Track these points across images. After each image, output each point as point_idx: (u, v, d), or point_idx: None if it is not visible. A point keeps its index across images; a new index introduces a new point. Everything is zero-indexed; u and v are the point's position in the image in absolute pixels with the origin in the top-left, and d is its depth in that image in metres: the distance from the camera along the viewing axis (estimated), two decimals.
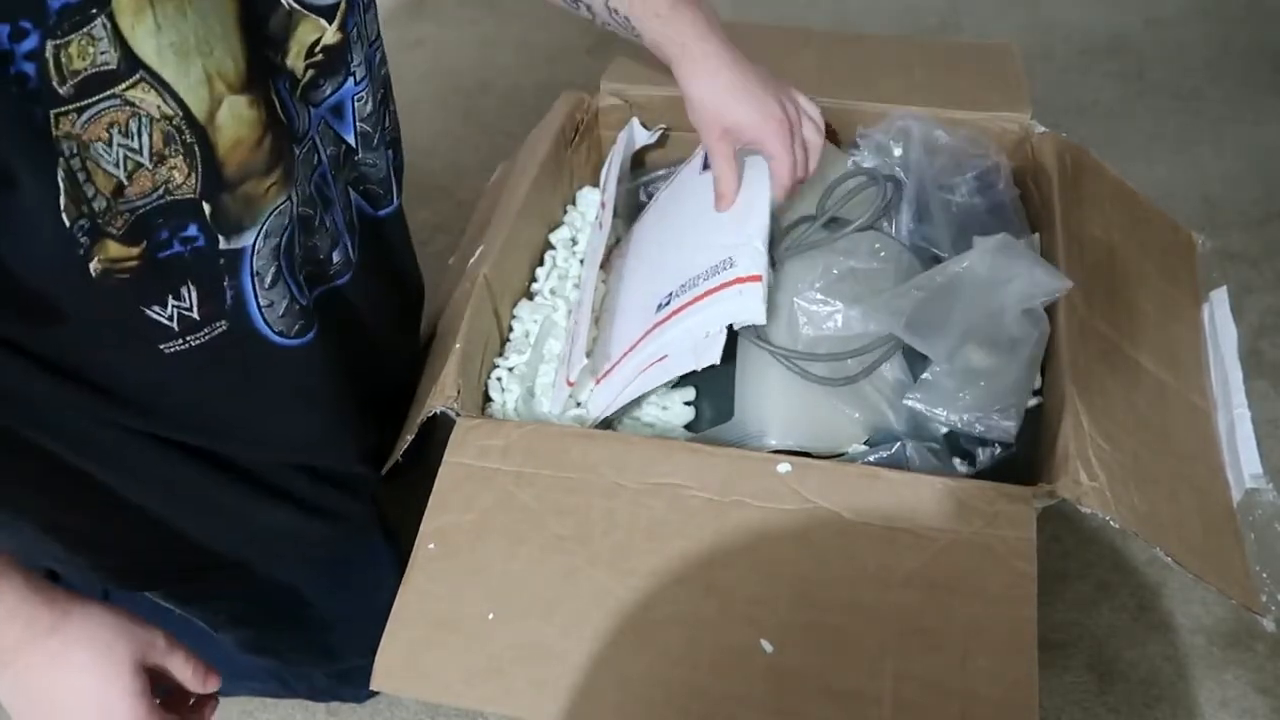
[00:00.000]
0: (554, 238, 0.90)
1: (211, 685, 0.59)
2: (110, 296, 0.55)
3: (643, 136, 0.93)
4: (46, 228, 0.50)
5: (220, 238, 0.57)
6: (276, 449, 0.70)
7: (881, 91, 0.91)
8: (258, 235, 0.59)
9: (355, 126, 0.68)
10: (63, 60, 0.46)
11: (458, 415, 0.68)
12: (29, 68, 0.45)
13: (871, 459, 0.66)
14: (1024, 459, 0.69)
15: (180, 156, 0.53)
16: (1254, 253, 1.22)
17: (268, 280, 0.61)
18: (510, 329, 0.81)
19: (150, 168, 0.52)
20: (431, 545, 0.63)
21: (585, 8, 0.74)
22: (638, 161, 0.96)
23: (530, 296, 0.84)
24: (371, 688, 0.59)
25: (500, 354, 0.79)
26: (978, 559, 0.58)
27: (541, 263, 0.88)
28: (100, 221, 0.52)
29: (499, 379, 0.77)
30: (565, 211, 0.93)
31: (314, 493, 0.74)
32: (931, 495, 0.61)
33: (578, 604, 0.59)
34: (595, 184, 0.95)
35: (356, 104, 0.67)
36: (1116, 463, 0.61)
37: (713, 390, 0.74)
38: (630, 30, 0.74)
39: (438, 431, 0.70)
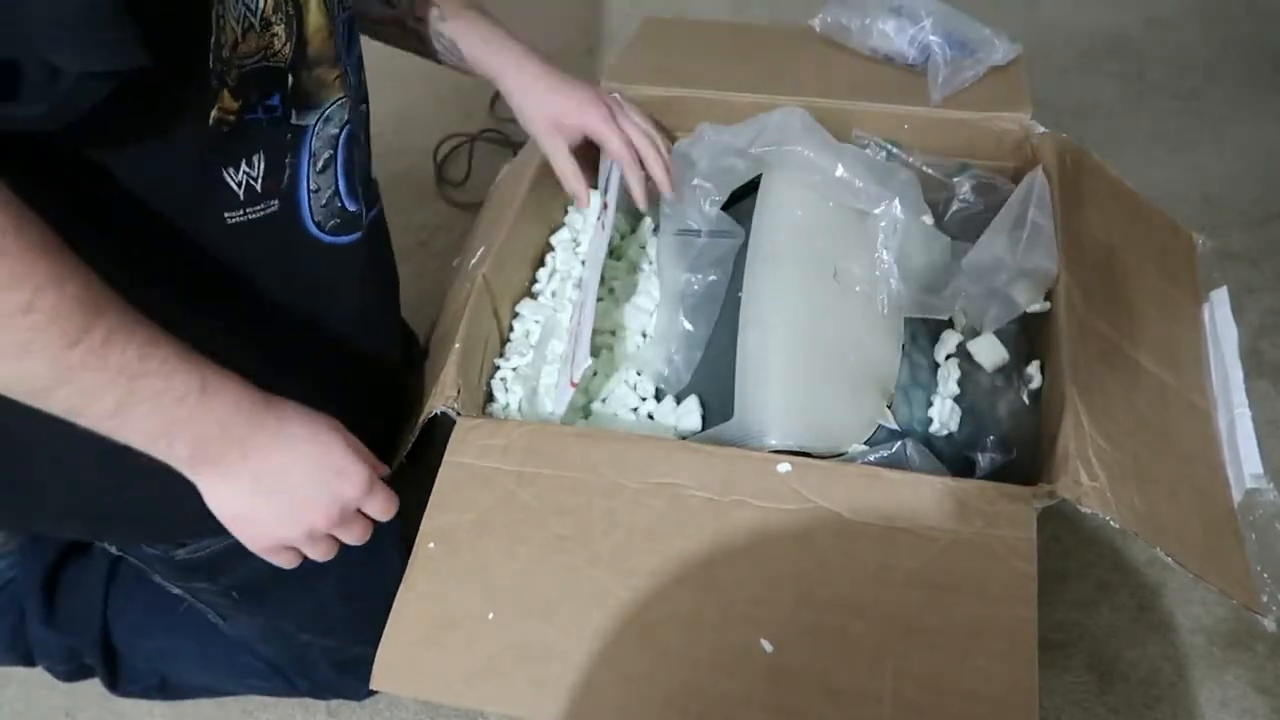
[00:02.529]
0: (554, 239, 0.90)
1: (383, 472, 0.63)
2: (209, 150, 0.57)
3: None
4: (198, 65, 0.53)
5: (294, 110, 0.61)
6: (311, 346, 0.70)
7: (880, 91, 0.91)
8: (319, 118, 0.64)
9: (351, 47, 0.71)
10: None
11: (458, 415, 0.68)
12: None
13: (872, 459, 0.66)
14: (1024, 459, 0.69)
15: (283, 25, 0.57)
16: (1254, 253, 1.22)
17: (320, 163, 0.65)
18: (511, 329, 0.81)
19: (259, 30, 0.56)
20: (432, 545, 0.63)
21: (415, 37, 0.79)
22: None
23: (534, 297, 0.85)
24: (371, 687, 0.59)
25: (501, 354, 0.79)
26: (978, 559, 0.58)
27: (543, 263, 0.88)
28: (224, 70, 0.55)
29: (503, 379, 0.77)
30: (566, 212, 0.93)
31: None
32: (932, 495, 0.61)
33: (578, 604, 0.59)
34: (595, 185, 0.95)
35: (351, 31, 0.70)
36: (1116, 463, 0.61)
37: (713, 390, 0.74)
38: (456, 53, 0.80)
39: (437, 432, 0.70)
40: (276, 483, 0.57)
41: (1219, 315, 0.77)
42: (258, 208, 0.61)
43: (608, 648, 0.58)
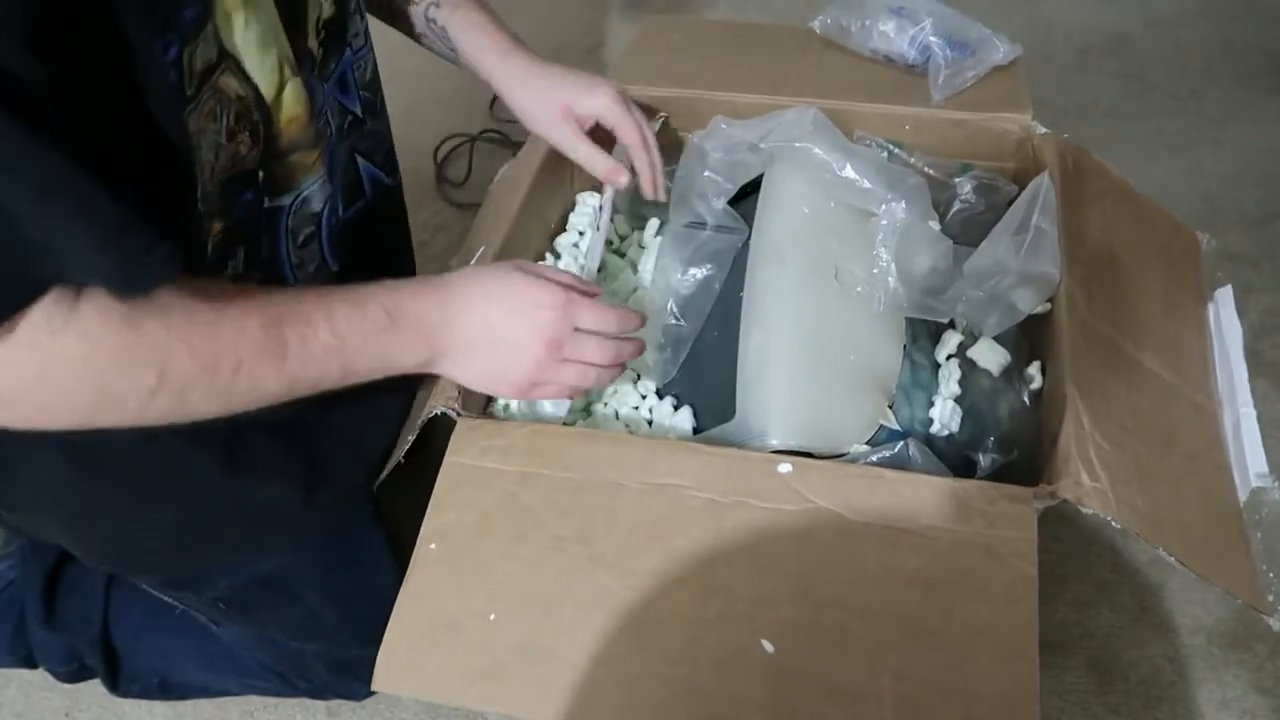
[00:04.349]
0: (554, 239, 0.90)
1: (590, 290, 0.66)
2: (201, 265, 0.61)
3: None
4: (190, 211, 0.57)
5: (266, 198, 0.63)
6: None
7: (881, 92, 0.91)
8: (295, 199, 0.65)
9: (359, 95, 0.71)
10: (189, 63, 0.52)
11: (458, 415, 0.67)
12: (173, 75, 0.51)
13: (873, 459, 0.66)
14: (1025, 459, 0.69)
15: (247, 132, 0.59)
16: (1254, 253, 1.22)
17: (300, 238, 0.67)
18: None
19: (226, 144, 0.58)
20: (432, 545, 0.63)
21: (404, 19, 0.79)
22: None
23: None
24: (372, 688, 0.59)
25: None
26: (979, 559, 0.58)
27: (543, 260, 0.87)
28: (209, 207, 0.58)
29: None
30: (565, 213, 0.93)
31: (309, 474, 0.74)
32: (933, 495, 0.61)
33: (578, 604, 0.59)
34: (596, 186, 0.95)
35: (356, 72, 0.70)
36: (1118, 463, 0.61)
37: (713, 390, 0.74)
38: (447, 43, 0.79)
39: (436, 432, 0.69)
40: (490, 338, 0.62)
41: (1224, 314, 0.77)
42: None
43: (608, 648, 0.58)
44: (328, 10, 0.66)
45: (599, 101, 0.76)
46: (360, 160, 0.74)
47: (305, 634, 0.83)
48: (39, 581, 0.89)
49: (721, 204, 0.81)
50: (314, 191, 0.66)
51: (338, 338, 0.57)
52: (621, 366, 0.67)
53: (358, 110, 0.72)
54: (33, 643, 0.90)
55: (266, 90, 0.59)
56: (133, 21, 0.47)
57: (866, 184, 0.77)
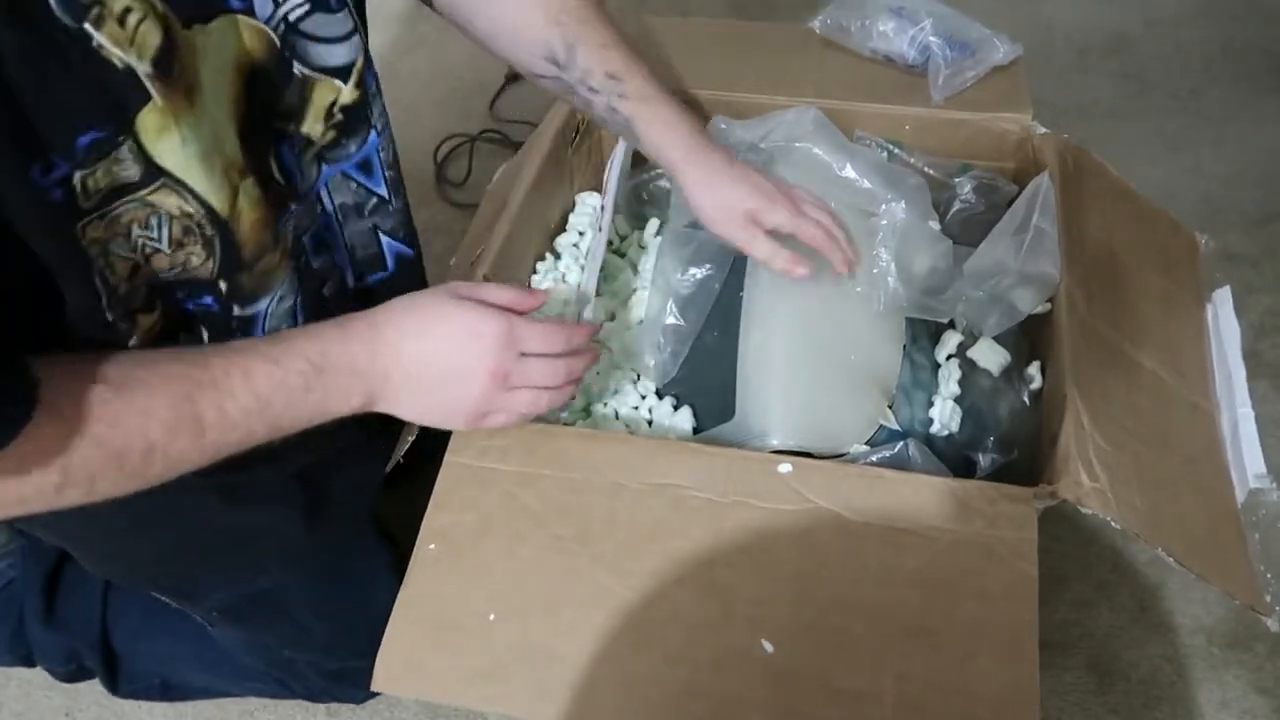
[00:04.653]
0: (554, 240, 0.90)
1: (531, 303, 0.64)
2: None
3: None
4: (96, 327, 0.53)
5: (234, 306, 0.60)
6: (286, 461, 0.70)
7: (881, 92, 0.91)
8: (271, 301, 0.62)
9: (385, 176, 0.69)
10: (89, 184, 0.48)
11: None
12: (57, 194, 0.47)
13: (873, 459, 0.66)
14: (1025, 459, 0.69)
15: (199, 245, 0.55)
16: (1254, 253, 1.22)
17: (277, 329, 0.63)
18: None
19: (169, 252, 0.54)
20: (432, 545, 0.63)
21: (583, 101, 0.75)
22: (639, 158, 0.96)
23: None
24: (372, 688, 0.59)
25: None
26: (979, 559, 0.58)
27: (542, 263, 0.87)
28: (128, 306, 0.54)
29: None
30: (565, 213, 0.93)
31: (303, 499, 0.74)
32: (933, 495, 0.61)
33: (578, 604, 0.59)
34: (596, 186, 0.95)
35: (382, 154, 0.68)
36: (1118, 463, 0.61)
37: (714, 391, 0.74)
38: (629, 133, 0.75)
39: (436, 432, 0.69)
40: (430, 374, 0.59)
41: (1222, 315, 0.77)
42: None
43: (608, 648, 0.58)
44: (348, 96, 0.63)
45: (780, 216, 0.73)
46: (384, 237, 0.73)
47: (296, 645, 0.84)
48: (39, 580, 0.89)
49: None
50: (286, 290, 0.63)
51: (259, 400, 0.54)
52: (575, 383, 0.65)
53: (383, 192, 0.70)
54: (32, 642, 0.90)
55: (220, 205, 0.54)
56: None
57: (866, 184, 0.77)
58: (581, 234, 0.90)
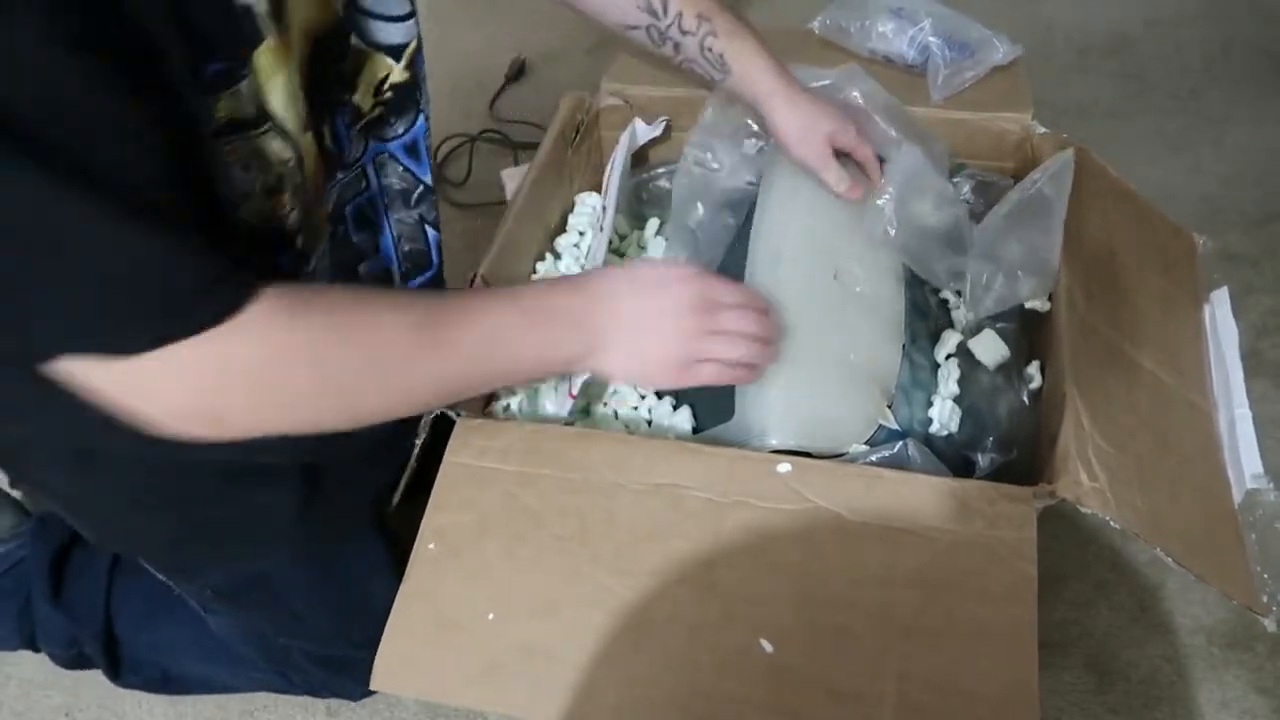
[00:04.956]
0: (554, 239, 0.90)
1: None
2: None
3: (645, 132, 0.93)
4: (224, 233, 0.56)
5: (303, 265, 0.63)
6: None
7: None
8: (316, 258, 0.65)
9: (430, 164, 0.71)
10: (210, 110, 0.52)
11: (458, 415, 0.68)
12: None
13: (872, 459, 0.66)
14: (1024, 459, 0.69)
15: (288, 193, 0.58)
16: (1254, 253, 1.22)
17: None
18: None
19: (262, 196, 0.57)
20: (431, 545, 0.63)
21: (673, 45, 0.79)
22: (639, 158, 0.96)
23: None
24: (371, 688, 0.59)
25: None
26: (978, 559, 0.58)
27: (542, 260, 0.88)
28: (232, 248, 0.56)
29: None
30: (565, 214, 0.93)
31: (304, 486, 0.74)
32: (932, 495, 0.61)
33: (578, 604, 0.59)
34: (596, 186, 0.95)
35: (426, 142, 0.70)
36: (1117, 463, 0.61)
37: (713, 390, 0.74)
38: (722, 67, 0.79)
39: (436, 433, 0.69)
40: (637, 322, 0.62)
41: (1219, 315, 0.77)
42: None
43: (608, 648, 0.58)
44: (398, 75, 0.66)
45: (850, 137, 0.80)
46: (429, 230, 0.75)
47: (289, 631, 0.83)
48: (47, 562, 0.89)
49: (748, 154, 0.84)
50: (321, 256, 0.66)
51: (491, 337, 0.57)
52: (774, 345, 0.67)
53: (429, 179, 0.72)
54: (36, 621, 0.90)
55: (306, 153, 0.58)
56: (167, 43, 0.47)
57: (894, 133, 0.80)
58: (582, 234, 0.90)
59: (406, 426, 0.70)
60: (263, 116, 0.54)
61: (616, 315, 0.61)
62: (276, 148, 0.56)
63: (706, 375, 0.64)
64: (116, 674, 0.90)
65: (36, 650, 0.93)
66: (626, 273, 0.63)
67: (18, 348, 0.47)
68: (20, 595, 0.90)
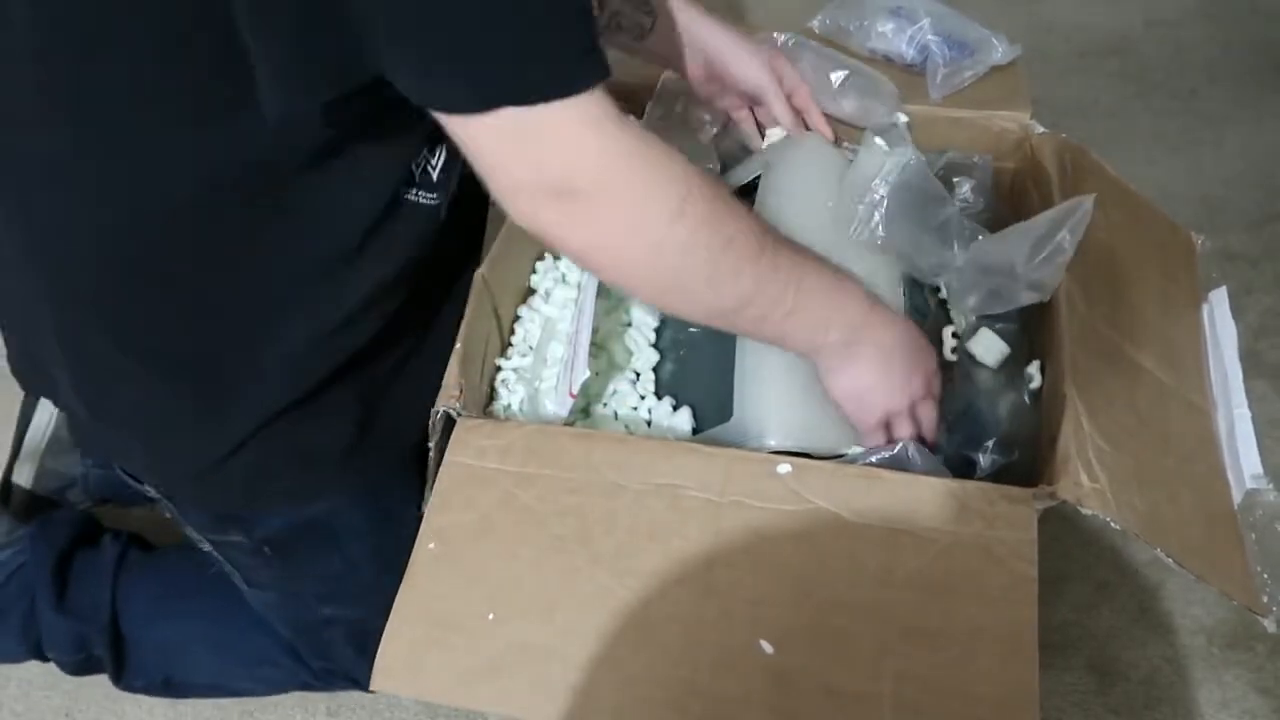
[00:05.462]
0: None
1: None
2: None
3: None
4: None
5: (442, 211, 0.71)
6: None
7: None
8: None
9: None
10: None
11: (459, 415, 0.67)
12: None
13: (872, 459, 0.66)
14: (1024, 460, 0.69)
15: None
16: (1254, 253, 1.22)
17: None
18: (513, 330, 0.81)
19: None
20: (432, 545, 0.63)
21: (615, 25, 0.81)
22: None
23: (533, 292, 0.84)
24: (371, 688, 0.59)
25: (502, 354, 0.79)
26: (978, 560, 0.58)
27: (542, 260, 0.87)
28: None
29: (504, 380, 0.77)
30: None
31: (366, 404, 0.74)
32: (932, 496, 0.61)
33: (578, 604, 0.59)
34: None
35: None
36: (1117, 464, 0.61)
37: (712, 391, 0.74)
38: (646, 7, 0.81)
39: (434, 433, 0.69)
40: (888, 359, 0.66)
41: (1218, 315, 0.77)
42: (431, 196, 0.69)
43: (608, 648, 0.58)
44: None
45: (790, 70, 0.84)
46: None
47: (338, 593, 0.81)
48: (49, 564, 0.89)
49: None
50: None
51: (799, 269, 0.60)
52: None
53: None
54: (42, 628, 0.89)
55: None
56: None
57: (835, 69, 0.86)
58: None
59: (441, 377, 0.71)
60: None
61: (877, 338, 0.65)
62: None
63: (899, 428, 0.68)
64: (119, 676, 0.90)
65: (45, 659, 0.92)
66: (890, 324, 0.67)
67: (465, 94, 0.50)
68: (24, 601, 0.90)
